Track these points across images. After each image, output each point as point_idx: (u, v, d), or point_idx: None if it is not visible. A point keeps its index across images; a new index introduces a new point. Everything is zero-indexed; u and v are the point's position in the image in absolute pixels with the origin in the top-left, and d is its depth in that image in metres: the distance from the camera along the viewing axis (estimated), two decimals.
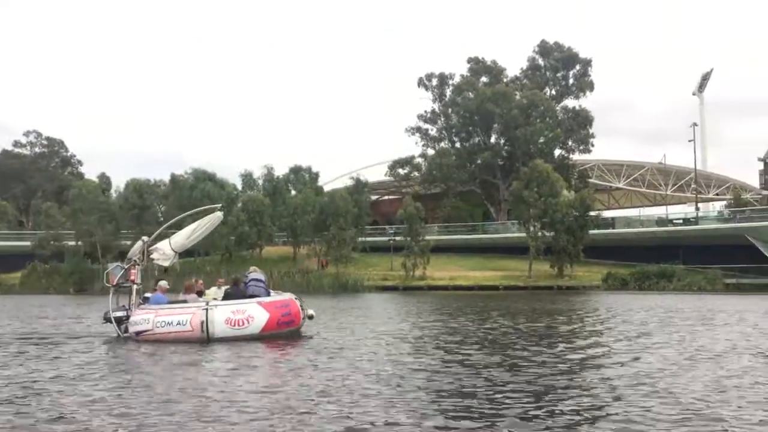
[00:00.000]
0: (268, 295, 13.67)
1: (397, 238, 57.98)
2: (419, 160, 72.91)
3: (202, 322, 12.47)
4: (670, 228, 57.67)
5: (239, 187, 68.29)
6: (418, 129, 74.86)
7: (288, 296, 13.92)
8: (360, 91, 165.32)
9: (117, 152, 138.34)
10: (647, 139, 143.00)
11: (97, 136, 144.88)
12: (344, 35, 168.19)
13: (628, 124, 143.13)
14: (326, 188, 69.39)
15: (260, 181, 69.16)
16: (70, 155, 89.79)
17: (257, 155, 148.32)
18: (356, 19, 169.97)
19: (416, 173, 72.51)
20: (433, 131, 74.89)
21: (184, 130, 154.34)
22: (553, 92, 73.46)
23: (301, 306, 13.61)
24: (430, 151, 73.13)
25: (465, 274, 53.85)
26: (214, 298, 13.92)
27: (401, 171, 73.12)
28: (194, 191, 61.94)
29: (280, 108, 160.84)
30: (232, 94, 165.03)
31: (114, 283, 13.98)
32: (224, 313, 12.62)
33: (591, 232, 53.82)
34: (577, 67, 72.87)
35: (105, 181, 74.65)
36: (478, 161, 69.48)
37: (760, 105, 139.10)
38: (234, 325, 12.54)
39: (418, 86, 74.92)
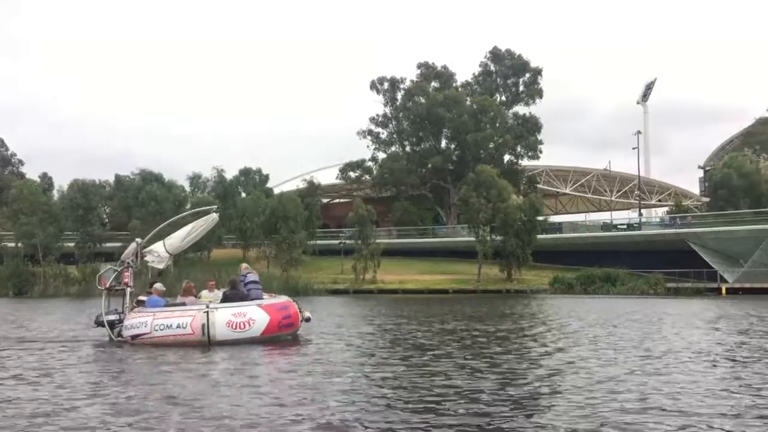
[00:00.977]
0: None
1: (348, 242, 57.92)
2: (370, 163, 73.08)
3: (203, 325, 12.25)
4: (615, 233, 59.17)
5: (188, 188, 67.38)
6: (370, 132, 75.01)
7: (285, 298, 13.82)
8: (312, 92, 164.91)
9: (59, 151, 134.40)
10: (593, 146, 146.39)
11: (38, 134, 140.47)
12: (298, 34, 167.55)
13: (575, 131, 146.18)
14: (276, 191, 69.00)
15: (209, 183, 68.51)
16: (10, 154, 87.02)
17: (208, 156, 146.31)
18: (309, 20, 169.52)
19: (367, 177, 72.64)
20: (384, 135, 75.17)
21: (131, 129, 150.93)
22: (503, 98, 74.54)
23: (299, 308, 13.56)
24: (382, 155, 73.44)
25: (415, 278, 54.08)
26: (211, 301, 13.64)
27: (352, 174, 73.10)
28: (141, 192, 60.86)
29: (232, 108, 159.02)
30: (182, 93, 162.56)
31: (106, 286, 13.63)
32: (225, 316, 12.43)
33: (539, 236, 54.76)
34: (527, 74, 74.12)
35: (47, 181, 72.69)
36: (429, 165, 69.99)
37: (702, 114, 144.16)
38: (235, 328, 12.36)
39: (371, 89, 75.18)
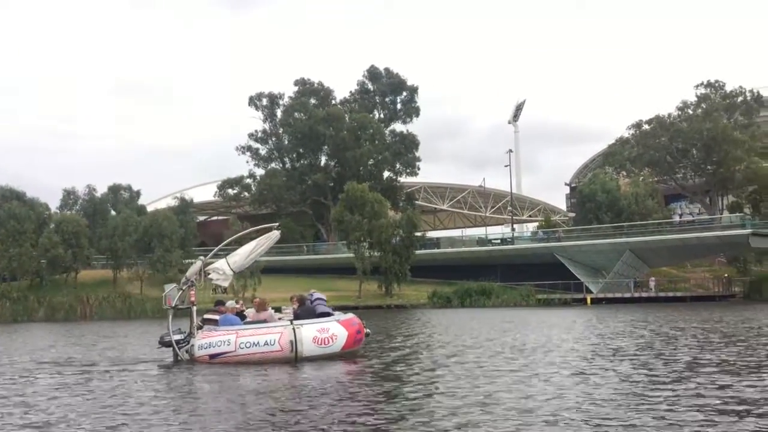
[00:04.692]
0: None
1: None
2: (249, 180, 71.85)
3: (290, 342, 12.32)
4: (489, 247, 61.37)
5: (54, 207, 64.00)
6: (249, 148, 73.81)
7: (351, 314, 14.04)
8: (187, 106, 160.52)
9: None
10: (469, 164, 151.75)
11: None
12: (171, 49, 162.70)
13: (452, 149, 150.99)
14: (149, 208, 66.53)
15: (79, 200, 65.38)
16: None
17: (74, 173, 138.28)
18: (185, 33, 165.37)
19: (246, 194, 71.36)
20: (263, 151, 74.20)
21: None
22: (382, 116, 75.55)
23: (362, 323, 13.71)
24: (261, 171, 72.46)
25: None
26: (280, 318, 13.65)
27: (231, 191, 71.59)
28: None
29: (101, 122, 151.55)
30: (45, 104, 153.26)
31: (171, 305, 13.43)
32: (311, 332, 12.58)
33: (417, 252, 55.70)
34: (404, 93, 75.52)
35: None
36: (309, 182, 69.75)
37: (568, 134, 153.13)
38: (321, 344, 12.54)
39: (249, 105, 74.14)
